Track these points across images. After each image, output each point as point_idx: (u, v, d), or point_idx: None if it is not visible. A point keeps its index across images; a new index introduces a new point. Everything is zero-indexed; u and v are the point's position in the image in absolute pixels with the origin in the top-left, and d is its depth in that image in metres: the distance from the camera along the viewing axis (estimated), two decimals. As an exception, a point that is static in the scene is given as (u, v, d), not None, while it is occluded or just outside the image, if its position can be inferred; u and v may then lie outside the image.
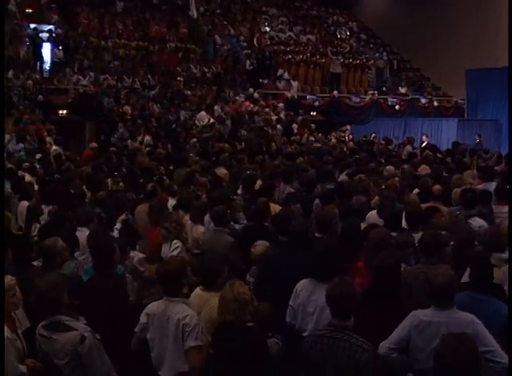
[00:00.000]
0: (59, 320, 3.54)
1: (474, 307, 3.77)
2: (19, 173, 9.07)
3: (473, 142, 17.03)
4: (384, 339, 3.66)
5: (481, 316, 3.60)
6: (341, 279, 3.53)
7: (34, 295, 3.58)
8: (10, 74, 15.85)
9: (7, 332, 3.53)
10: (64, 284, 3.65)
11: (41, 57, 17.80)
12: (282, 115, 18.05)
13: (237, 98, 18.70)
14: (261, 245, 5.08)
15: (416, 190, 7.48)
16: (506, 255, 4.68)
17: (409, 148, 14.07)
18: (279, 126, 16.99)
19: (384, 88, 22.48)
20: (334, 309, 3.46)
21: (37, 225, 6.27)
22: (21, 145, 12.38)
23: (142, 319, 3.84)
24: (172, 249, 5.37)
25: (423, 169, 9.10)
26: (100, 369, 3.56)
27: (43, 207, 6.89)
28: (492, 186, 7.45)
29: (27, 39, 17.87)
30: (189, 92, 18.30)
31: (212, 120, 16.17)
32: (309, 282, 4.23)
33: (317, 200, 6.82)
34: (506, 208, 6.38)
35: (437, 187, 7.07)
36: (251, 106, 18.11)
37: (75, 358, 3.50)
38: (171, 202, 6.94)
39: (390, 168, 9.03)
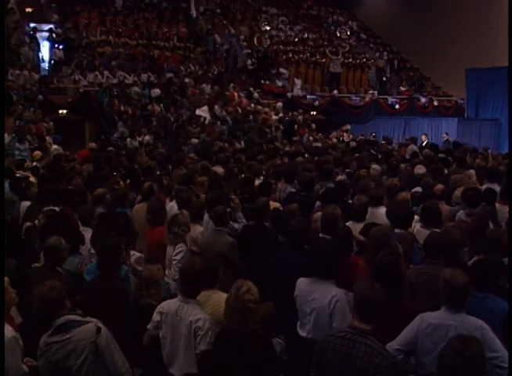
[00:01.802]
0: (69, 319, 3.50)
1: (473, 304, 3.75)
2: (22, 173, 9.05)
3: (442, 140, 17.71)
4: (385, 340, 3.59)
5: (481, 312, 3.60)
6: (372, 281, 3.41)
7: (36, 302, 3.52)
8: (10, 73, 15.84)
9: (12, 331, 3.52)
10: (64, 287, 3.62)
11: (41, 56, 17.81)
12: (281, 114, 18.02)
13: (239, 94, 18.69)
14: None
15: (417, 189, 7.48)
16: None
17: (413, 147, 14.08)
18: (278, 125, 16.98)
19: (385, 77, 22.44)
20: (359, 310, 3.30)
21: (27, 224, 6.21)
22: (26, 145, 12.30)
23: (155, 317, 3.85)
24: (176, 253, 5.34)
25: (419, 168, 9.11)
26: (118, 361, 3.55)
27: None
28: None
29: (27, 38, 17.86)
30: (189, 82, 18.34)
31: (211, 119, 16.14)
32: (308, 282, 4.18)
33: (318, 202, 6.79)
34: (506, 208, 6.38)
35: (439, 187, 7.04)
36: (251, 105, 18.08)
37: (93, 352, 3.45)
38: (172, 203, 6.91)
39: (376, 166, 8.99)
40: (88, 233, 5.59)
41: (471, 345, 2.75)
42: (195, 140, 13.43)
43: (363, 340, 3.19)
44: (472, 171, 8.48)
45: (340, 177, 8.70)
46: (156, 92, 17.67)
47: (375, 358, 3.10)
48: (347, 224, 5.57)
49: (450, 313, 3.52)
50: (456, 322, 3.48)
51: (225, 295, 3.80)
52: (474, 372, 2.72)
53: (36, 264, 5.02)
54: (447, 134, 18.50)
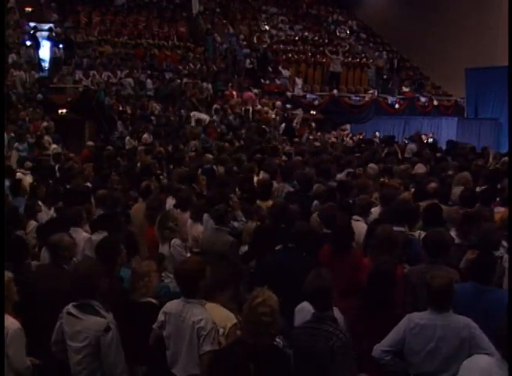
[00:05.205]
0: (92, 304, 3.67)
1: (477, 297, 3.76)
2: (23, 172, 9.05)
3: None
4: (374, 343, 3.63)
5: (485, 306, 3.62)
6: (317, 273, 3.62)
7: (71, 279, 3.80)
8: (10, 72, 15.83)
9: (18, 324, 3.57)
10: (101, 272, 3.82)
11: (41, 56, 17.80)
12: (280, 113, 18.01)
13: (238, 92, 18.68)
14: None
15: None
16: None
17: (412, 146, 14.07)
18: (277, 124, 17.00)
19: (387, 76, 22.38)
20: (314, 302, 3.59)
21: (33, 223, 6.22)
22: (25, 145, 12.27)
23: (160, 317, 3.81)
24: (173, 248, 5.32)
25: (419, 168, 9.10)
26: (113, 365, 3.61)
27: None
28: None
29: (27, 37, 17.85)
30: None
31: (209, 118, 16.13)
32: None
33: (316, 202, 6.77)
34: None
35: (432, 185, 7.04)
36: (256, 103, 18.05)
37: (94, 344, 3.59)
38: (171, 201, 6.90)
39: (373, 165, 8.97)
40: (77, 233, 5.51)
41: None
42: (194, 141, 13.40)
43: (323, 326, 3.46)
44: (466, 173, 8.43)
45: (342, 176, 8.70)
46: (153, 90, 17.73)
47: (330, 340, 3.38)
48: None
49: (436, 313, 3.53)
50: (442, 321, 3.50)
51: (224, 311, 3.73)
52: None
53: (33, 262, 5.03)
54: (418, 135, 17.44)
